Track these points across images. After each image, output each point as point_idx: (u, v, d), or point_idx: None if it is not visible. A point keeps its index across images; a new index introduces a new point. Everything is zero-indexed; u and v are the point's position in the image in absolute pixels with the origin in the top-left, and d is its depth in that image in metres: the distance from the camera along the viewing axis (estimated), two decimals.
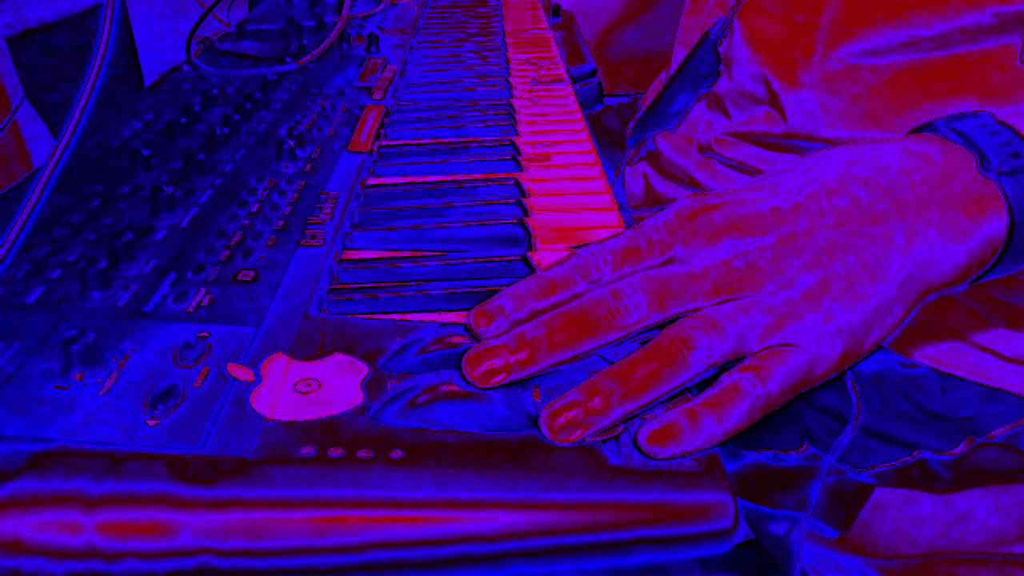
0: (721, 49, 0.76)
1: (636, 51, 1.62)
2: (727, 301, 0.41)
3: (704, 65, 0.78)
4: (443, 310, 0.47)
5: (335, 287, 0.49)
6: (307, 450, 0.36)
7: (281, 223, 0.56)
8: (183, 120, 0.73)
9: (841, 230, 0.42)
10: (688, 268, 0.42)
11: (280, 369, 0.41)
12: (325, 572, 0.34)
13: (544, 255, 0.53)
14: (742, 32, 0.75)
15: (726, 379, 0.40)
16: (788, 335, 0.40)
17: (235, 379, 0.40)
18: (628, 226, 0.54)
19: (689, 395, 0.40)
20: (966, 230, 0.43)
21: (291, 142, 0.66)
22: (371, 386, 0.40)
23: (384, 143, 0.72)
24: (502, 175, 0.65)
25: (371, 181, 0.64)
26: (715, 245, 0.43)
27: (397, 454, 0.36)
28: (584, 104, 0.83)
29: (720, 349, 0.40)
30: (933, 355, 0.66)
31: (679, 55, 0.84)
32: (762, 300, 0.41)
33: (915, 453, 0.65)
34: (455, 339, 0.43)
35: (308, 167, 0.65)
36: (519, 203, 0.59)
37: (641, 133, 0.86)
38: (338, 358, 0.42)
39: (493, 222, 0.57)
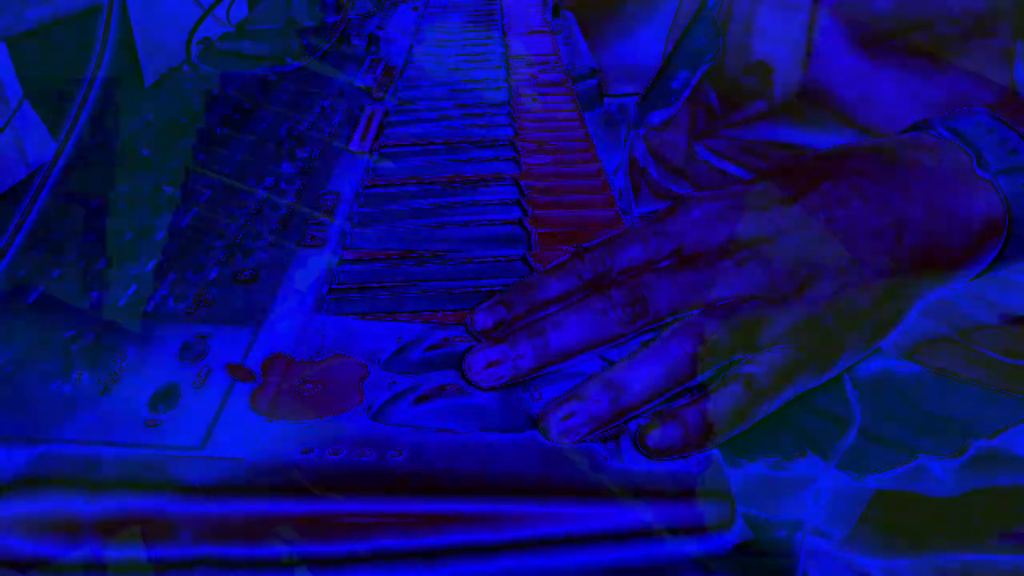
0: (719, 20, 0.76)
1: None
2: (728, 302, 0.41)
3: (702, 38, 0.78)
4: (443, 310, 0.47)
5: (335, 287, 0.49)
6: (307, 451, 0.36)
7: (281, 224, 0.56)
8: (183, 120, 0.73)
9: (839, 233, 0.42)
10: (689, 268, 0.42)
11: (280, 370, 0.41)
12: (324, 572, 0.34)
13: (543, 255, 0.53)
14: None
15: (726, 380, 0.40)
16: (787, 336, 0.40)
17: (236, 379, 0.40)
18: (628, 225, 0.54)
19: (691, 395, 0.40)
20: (963, 229, 0.43)
21: (291, 142, 0.66)
22: (372, 387, 0.40)
23: (384, 144, 0.72)
24: (502, 175, 0.65)
25: (371, 181, 0.64)
26: (716, 245, 0.43)
27: (398, 455, 0.36)
28: (584, 104, 0.83)
29: (720, 351, 0.40)
30: (931, 356, 0.66)
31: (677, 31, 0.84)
32: (762, 302, 0.41)
33: (916, 457, 0.65)
34: (456, 340, 0.43)
35: (308, 167, 0.65)
36: (519, 203, 0.59)
37: (643, 113, 0.85)
38: (339, 358, 0.42)
39: (493, 222, 0.57)
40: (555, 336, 0.41)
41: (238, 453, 0.36)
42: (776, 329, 0.40)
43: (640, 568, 0.35)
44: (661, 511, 0.35)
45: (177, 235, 0.54)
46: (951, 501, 0.65)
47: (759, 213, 0.43)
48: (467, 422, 0.38)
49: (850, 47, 0.66)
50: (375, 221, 0.58)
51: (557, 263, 0.45)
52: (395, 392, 0.40)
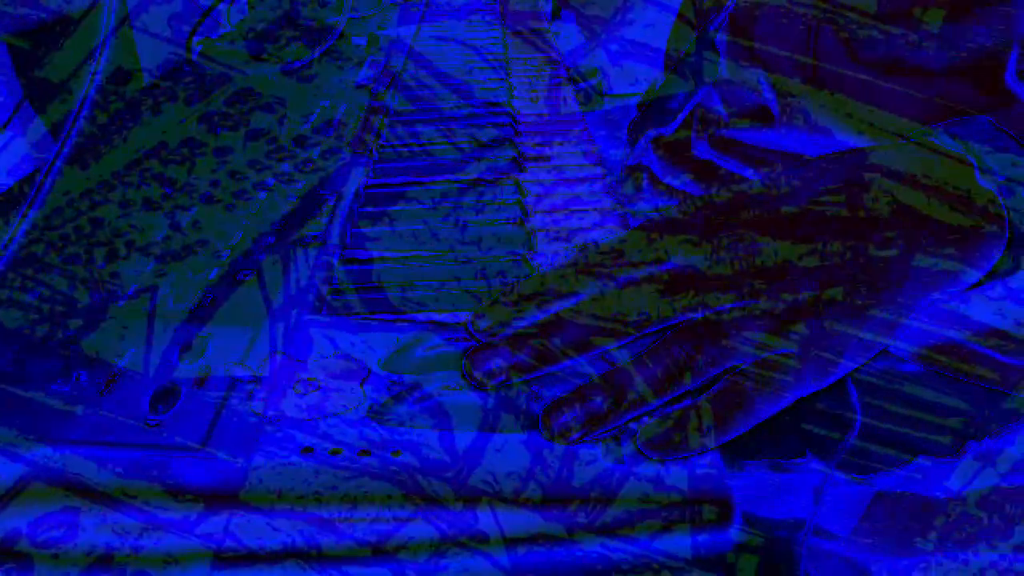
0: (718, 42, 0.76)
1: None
2: (730, 306, 0.41)
3: (702, 60, 0.78)
4: (443, 310, 0.47)
5: (335, 287, 0.49)
6: (307, 451, 0.36)
7: (281, 223, 0.56)
8: (183, 120, 0.73)
9: (847, 239, 0.42)
10: (693, 271, 0.42)
11: (280, 369, 0.41)
12: (324, 570, 0.34)
13: (544, 256, 0.53)
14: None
15: (726, 383, 0.40)
16: (787, 342, 0.40)
17: (235, 379, 0.40)
18: (630, 223, 0.54)
19: (691, 397, 0.40)
20: (964, 237, 0.44)
21: (291, 142, 0.66)
22: (372, 387, 0.40)
23: (384, 144, 0.72)
24: (502, 176, 0.65)
25: (371, 182, 0.64)
26: (721, 247, 0.43)
27: (398, 455, 0.36)
28: (584, 104, 0.83)
29: (721, 355, 0.40)
30: (936, 358, 0.66)
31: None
32: (766, 306, 0.41)
33: (916, 457, 0.65)
34: (456, 340, 0.43)
35: (308, 167, 0.65)
36: (519, 203, 0.59)
37: (640, 130, 0.86)
38: (338, 358, 0.42)
39: (493, 222, 0.57)
40: (556, 337, 0.41)
41: (238, 453, 0.36)
42: (777, 335, 0.40)
43: (640, 568, 0.35)
44: (661, 511, 0.35)
45: (177, 235, 0.54)
46: (951, 501, 0.65)
47: (761, 219, 0.43)
48: (467, 422, 0.38)
49: (848, 55, 0.66)
50: (375, 221, 0.58)
51: (558, 264, 0.45)
52: (395, 392, 0.40)
